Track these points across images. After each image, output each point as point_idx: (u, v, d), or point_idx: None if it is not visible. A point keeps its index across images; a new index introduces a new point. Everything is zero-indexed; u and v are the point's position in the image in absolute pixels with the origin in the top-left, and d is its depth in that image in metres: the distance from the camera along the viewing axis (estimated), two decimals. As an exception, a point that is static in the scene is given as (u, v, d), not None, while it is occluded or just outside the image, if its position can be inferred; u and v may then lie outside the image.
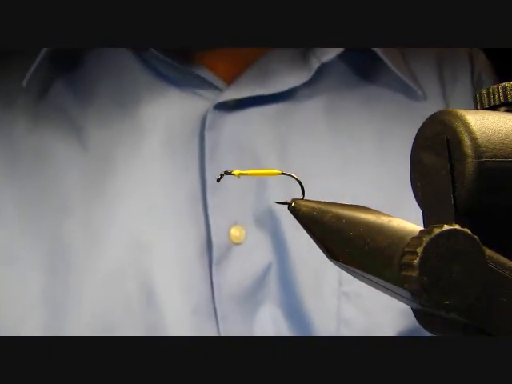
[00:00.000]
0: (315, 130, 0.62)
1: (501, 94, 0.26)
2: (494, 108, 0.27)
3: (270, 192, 0.58)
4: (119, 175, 0.58)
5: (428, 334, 0.27)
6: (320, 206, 0.26)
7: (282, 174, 0.26)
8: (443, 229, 0.23)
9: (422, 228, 0.24)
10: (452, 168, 0.25)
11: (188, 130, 0.59)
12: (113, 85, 0.61)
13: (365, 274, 0.25)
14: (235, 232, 0.58)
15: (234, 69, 0.62)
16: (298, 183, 0.26)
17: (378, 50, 0.63)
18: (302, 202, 0.26)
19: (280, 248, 0.58)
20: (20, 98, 0.61)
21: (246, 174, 0.26)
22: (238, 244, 0.58)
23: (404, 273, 0.23)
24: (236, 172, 0.27)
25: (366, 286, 0.27)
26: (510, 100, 0.27)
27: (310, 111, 0.63)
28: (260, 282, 0.58)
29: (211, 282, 0.56)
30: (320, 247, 0.26)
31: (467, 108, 0.26)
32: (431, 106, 0.65)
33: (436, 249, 0.23)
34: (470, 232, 0.23)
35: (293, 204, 0.26)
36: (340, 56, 0.63)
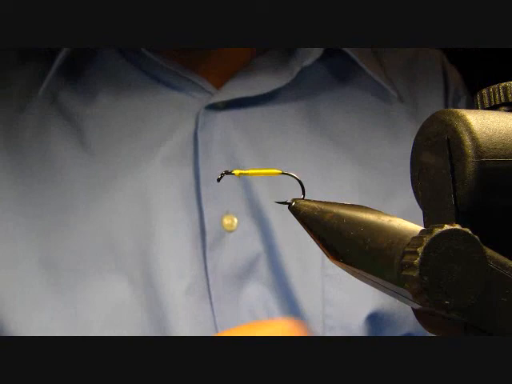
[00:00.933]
0: (296, 131, 0.67)
1: (501, 94, 0.26)
2: (494, 108, 0.27)
3: (259, 183, 0.63)
4: (119, 172, 0.62)
5: (428, 334, 0.27)
6: (320, 205, 0.26)
7: (283, 173, 0.26)
8: (444, 229, 0.23)
9: (423, 228, 0.24)
10: (452, 168, 0.25)
11: (183, 130, 0.64)
12: (111, 88, 0.66)
13: (365, 274, 0.25)
14: (227, 220, 0.62)
15: (224, 74, 0.67)
16: (298, 183, 0.26)
17: (354, 54, 0.68)
18: (303, 202, 0.26)
19: (269, 235, 0.62)
20: (31, 103, 0.64)
21: (246, 174, 0.26)
22: (230, 231, 0.62)
23: (404, 273, 0.23)
24: (236, 172, 0.27)
25: None
26: (510, 100, 0.27)
27: (292, 113, 0.68)
28: (251, 266, 0.62)
29: (205, 266, 0.60)
30: (320, 247, 0.26)
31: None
32: (406, 108, 0.70)
33: (437, 249, 0.23)
34: (470, 232, 0.23)
35: (293, 204, 0.26)
36: (320, 60, 0.68)
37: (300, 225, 0.26)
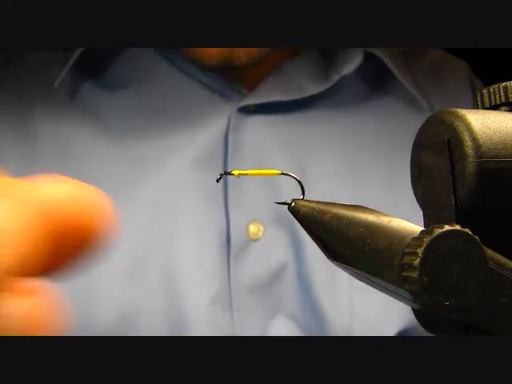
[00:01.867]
0: (328, 139, 0.66)
1: (502, 94, 0.26)
2: (494, 107, 0.27)
3: (287, 191, 0.61)
4: (147, 170, 0.61)
5: (428, 334, 0.27)
6: (320, 206, 0.26)
7: (282, 174, 0.26)
8: (444, 229, 0.23)
9: (423, 228, 0.24)
10: (453, 168, 0.25)
11: (214, 130, 0.63)
12: (142, 85, 0.65)
13: (365, 275, 0.25)
14: (253, 228, 0.60)
15: (256, 76, 0.66)
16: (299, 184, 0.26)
17: (388, 62, 0.66)
18: (302, 203, 0.26)
19: (296, 245, 0.60)
20: (50, 96, 0.64)
21: (246, 174, 0.26)
22: (255, 240, 0.60)
23: (404, 273, 0.23)
24: (235, 172, 0.27)
25: None
26: (511, 99, 0.26)
27: (324, 120, 0.66)
28: (276, 276, 0.60)
29: (229, 275, 0.59)
30: (320, 247, 0.26)
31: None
32: None
33: (436, 249, 0.23)
34: (470, 232, 0.23)
35: (293, 204, 0.26)
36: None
37: None
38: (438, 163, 0.26)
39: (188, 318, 0.57)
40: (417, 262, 0.23)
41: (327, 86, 0.66)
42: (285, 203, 0.26)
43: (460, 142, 0.25)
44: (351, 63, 0.66)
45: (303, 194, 0.26)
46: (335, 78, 0.66)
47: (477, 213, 0.25)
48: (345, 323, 0.59)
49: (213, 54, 0.60)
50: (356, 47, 0.66)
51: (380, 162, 0.65)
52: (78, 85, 0.64)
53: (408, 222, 0.25)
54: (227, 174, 0.27)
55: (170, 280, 0.58)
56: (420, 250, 0.23)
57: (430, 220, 0.27)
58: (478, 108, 0.27)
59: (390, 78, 0.68)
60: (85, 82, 0.65)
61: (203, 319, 0.57)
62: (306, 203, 0.26)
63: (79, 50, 0.62)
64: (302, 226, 0.26)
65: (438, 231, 0.23)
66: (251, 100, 0.64)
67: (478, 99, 0.27)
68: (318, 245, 0.26)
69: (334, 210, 0.26)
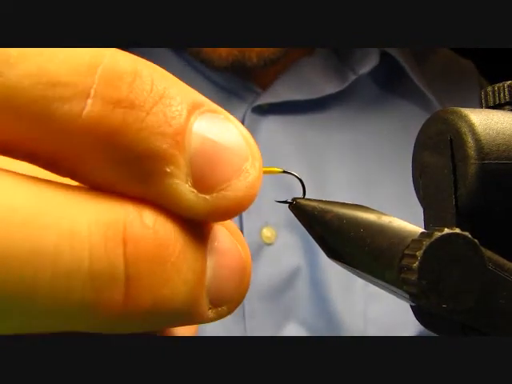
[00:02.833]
0: (341, 140, 0.65)
1: (506, 93, 0.26)
2: (499, 106, 0.26)
3: (300, 194, 0.60)
4: None
5: (429, 334, 0.27)
6: (321, 205, 0.26)
7: (284, 172, 0.26)
8: (443, 232, 0.23)
9: (423, 230, 0.24)
10: (454, 168, 0.25)
11: None
12: None
13: (365, 275, 0.25)
14: (266, 232, 0.60)
15: (269, 74, 0.65)
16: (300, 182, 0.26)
17: (403, 63, 0.66)
18: (303, 201, 0.26)
19: (309, 250, 0.59)
20: None
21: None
22: (269, 244, 0.60)
23: (403, 275, 0.23)
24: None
25: None
26: (515, 98, 0.26)
27: (339, 123, 0.66)
28: (289, 282, 0.59)
29: None
30: (320, 246, 0.26)
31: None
32: None
33: (436, 253, 0.23)
34: (470, 236, 0.23)
35: (293, 203, 0.26)
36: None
37: None
38: (439, 162, 0.25)
39: (199, 326, 0.57)
40: (416, 264, 0.23)
41: (344, 85, 0.65)
42: (285, 202, 0.26)
43: (462, 143, 0.24)
44: (368, 63, 0.65)
45: (304, 192, 0.26)
46: (352, 77, 0.65)
47: (477, 214, 0.25)
48: (358, 329, 0.59)
49: (222, 55, 0.59)
50: (362, 47, 0.65)
51: (393, 164, 0.64)
52: None
53: (409, 223, 0.25)
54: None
55: None
56: (419, 253, 0.23)
57: (430, 219, 0.27)
58: (481, 106, 0.27)
59: (404, 81, 0.67)
60: None
61: (215, 326, 0.56)
62: (307, 202, 0.26)
63: None
64: (303, 224, 0.26)
65: (438, 234, 0.23)
66: (266, 99, 0.63)
67: (482, 97, 0.27)
68: (318, 243, 0.26)
69: (335, 209, 0.26)
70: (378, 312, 0.59)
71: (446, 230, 0.23)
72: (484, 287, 0.23)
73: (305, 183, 0.26)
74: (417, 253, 0.23)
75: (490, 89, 0.26)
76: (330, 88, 0.65)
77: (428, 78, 0.70)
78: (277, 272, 0.59)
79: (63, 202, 0.15)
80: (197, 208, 0.17)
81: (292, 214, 0.64)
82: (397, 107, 0.68)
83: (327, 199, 0.26)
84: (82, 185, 0.16)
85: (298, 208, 0.26)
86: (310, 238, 0.60)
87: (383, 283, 0.25)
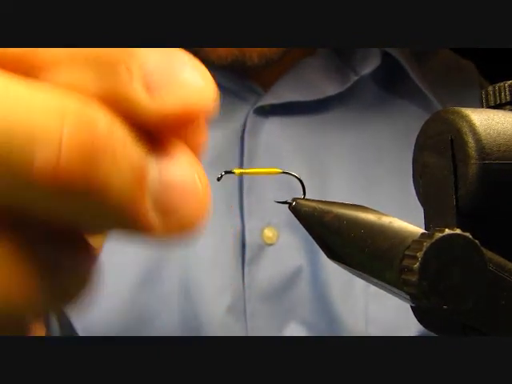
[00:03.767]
0: (343, 141, 0.64)
1: (507, 93, 0.26)
2: (499, 106, 0.26)
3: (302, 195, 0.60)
4: None
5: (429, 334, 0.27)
6: (321, 205, 0.26)
7: (283, 172, 0.26)
8: (444, 233, 0.22)
9: (423, 231, 0.24)
10: (455, 168, 0.25)
11: (229, 133, 0.62)
12: None
13: (365, 275, 0.25)
14: (268, 233, 0.59)
15: (271, 75, 0.64)
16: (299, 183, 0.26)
17: (404, 64, 0.65)
18: (303, 202, 0.26)
19: (311, 250, 0.59)
20: None
21: (247, 173, 0.26)
22: (270, 244, 0.59)
23: (404, 276, 0.23)
24: (237, 171, 0.27)
25: None
26: (516, 98, 0.26)
27: (340, 124, 0.65)
28: (290, 282, 0.59)
29: (243, 281, 0.58)
30: (320, 246, 0.26)
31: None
32: None
33: (436, 254, 0.22)
34: (470, 236, 0.22)
35: (293, 203, 0.26)
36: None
37: None
38: (440, 162, 0.25)
39: (202, 324, 0.57)
40: (416, 265, 0.23)
41: (345, 86, 0.64)
42: (285, 202, 0.26)
43: (463, 143, 0.24)
44: (369, 64, 0.64)
45: (304, 193, 0.26)
46: (353, 78, 0.64)
47: (478, 214, 0.25)
48: (360, 329, 0.58)
49: (222, 55, 0.59)
50: (362, 47, 0.65)
51: (394, 166, 0.64)
52: None
53: (409, 224, 0.25)
54: (228, 172, 0.26)
55: (185, 286, 0.57)
56: (420, 254, 0.23)
57: (430, 219, 0.27)
58: (482, 106, 0.27)
59: (404, 81, 0.66)
60: None
61: (217, 326, 0.57)
62: (307, 202, 0.26)
63: None
64: (303, 224, 0.26)
65: (439, 235, 0.22)
66: (268, 100, 0.62)
67: (483, 97, 0.26)
68: (318, 244, 0.26)
69: (335, 209, 0.26)
70: (380, 312, 0.59)
71: (447, 231, 0.23)
72: (485, 288, 0.23)
73: (306, 184, 0.26)
74: (417, 254, 0.23)
75: (490, 89, 0.26)
76: (332, 89, 0.64)
77: (428, 78, 0.69)
78: (278, 272, 0.59)
79: (23, 84, 0.17)
80: (143, 105, 0.18)
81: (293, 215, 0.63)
82: (397, 108, 0.68)
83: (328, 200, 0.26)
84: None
85: (297, 208, 0.26)
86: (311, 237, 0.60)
87: (384, 284, 0.25)
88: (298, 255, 0.60)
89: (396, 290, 0.25)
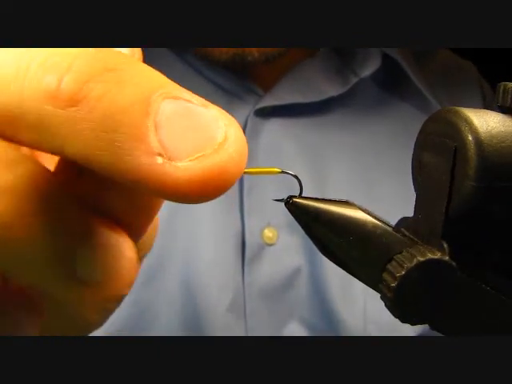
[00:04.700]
0: (343, 142, 0.64)
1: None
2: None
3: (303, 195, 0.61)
4: None
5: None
6: (316, 205, 0.25)
7: (282, 172, 0.25)
8: (425, 258, 0.22)
9: (409, 243, 0.23)
10: (452, 178, 0.23)
11: None
12: None
13: (353, 276, 0.25)
14: (268, 233, 0.60)
15: (272, 76, 0.64)
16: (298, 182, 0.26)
17: (404, 65, 0.64)
18: (299, 200, 0.25)
19: (311, 250, 0.59)
20: None
21: (246, 173, 0.25)
22: (270, 245, 0.60)
23: (382, 288, 0.23)
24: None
25: None
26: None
27: (340, 124, 0.64)
28: (290, 282, 0.60)
29: (243, 280, 0.59)
30: (314, 243, 0.26)
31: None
32: None
33: (414, 276, 0.22)
34: (451, 261, 0.22)
35: (290, 201, 0.25)
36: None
37: None
38: (439, 165, 0.24)
39: (202, 323, 0.58)
40: (394, 285, 0.22)
41: (345, 88, 0.63)
42: (281, 200, 0.26)
43: (467, 159, 0.23)
44: (370, 65, 0.63)
45: (301, 191, 0.26)
46: (353, 79, 0.63)
47: (466, 224, 0.23)
48: (359, 328, 0.59)
49: (223, 49, 0.58)
50: (362, 47, 0.62)
51: (394, 166, 0.63)
52: None
53: (397, 234, 0.24)
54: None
55: (186, 285, 0.58)
56: (399, 275, 0.22)
57: (418, 219, 0.25)
58: (496, 102, 0.24)
59: (404, 83, 0.65)
60: None
61: (217, 325, 0.58)
62: (304, 201, 0.25)
63: None
64: (298, 222, 0.26)
65: (419, 260, 0.22)
66: (269, 101, 0.62)
67: (500, 94, 0.24)
68: (312, 241, 0.26)
69: (331, 209, 0.25)
70: (379, 312, 0.59)
71: (429, 256, 0.22)
72: (463, 305, 0.22)
73: (307, 185, 0.26)
74: (397, 274, 0.22)
75: (511, 85, 0.23)
76: (332, 91, 0.63)
77: (429, 79, 0.67)
78: (278, 272, 0.59)
79: None
80: (169, 175, 0.18)
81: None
82: (397, 109, 0.66)
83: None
84: None
85: (293, 206, 0.25)
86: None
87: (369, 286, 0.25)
88: (298, 255, 0.60)
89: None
